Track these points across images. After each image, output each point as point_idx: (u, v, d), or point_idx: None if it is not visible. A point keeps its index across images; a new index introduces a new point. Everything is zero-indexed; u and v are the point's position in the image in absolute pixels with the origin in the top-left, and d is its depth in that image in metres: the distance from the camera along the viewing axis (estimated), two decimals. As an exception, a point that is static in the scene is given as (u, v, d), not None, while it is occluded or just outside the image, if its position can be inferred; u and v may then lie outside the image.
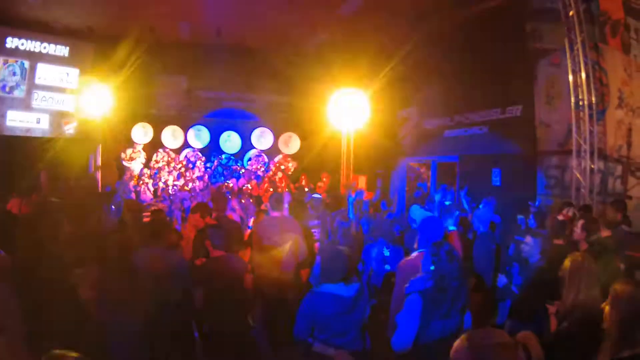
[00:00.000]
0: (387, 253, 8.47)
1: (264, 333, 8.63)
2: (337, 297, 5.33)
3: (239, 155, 23.11)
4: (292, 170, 22.75)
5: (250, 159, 23.01)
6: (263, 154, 23.12)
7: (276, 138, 23.28)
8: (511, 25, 13.68)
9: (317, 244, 10.19)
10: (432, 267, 5.21)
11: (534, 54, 13.47)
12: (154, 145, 22.24)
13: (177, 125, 22.42)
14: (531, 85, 13.67)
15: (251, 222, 12.66)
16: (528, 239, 7.38)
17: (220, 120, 23.30)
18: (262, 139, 23.15)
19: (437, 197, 12.29)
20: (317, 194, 14.86)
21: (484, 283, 8.45)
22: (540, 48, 13.32)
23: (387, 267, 8.28)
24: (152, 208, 13.41)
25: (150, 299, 6.23)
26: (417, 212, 9.11)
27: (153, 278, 6.42)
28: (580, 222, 8.05)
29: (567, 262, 5.39)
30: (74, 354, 3.13)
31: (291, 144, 23.18)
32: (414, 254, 6.38)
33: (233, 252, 7.41)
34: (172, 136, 22.26)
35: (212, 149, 22.90)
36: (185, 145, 22.58)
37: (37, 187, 13.60)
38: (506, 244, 9.07)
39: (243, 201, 15.43)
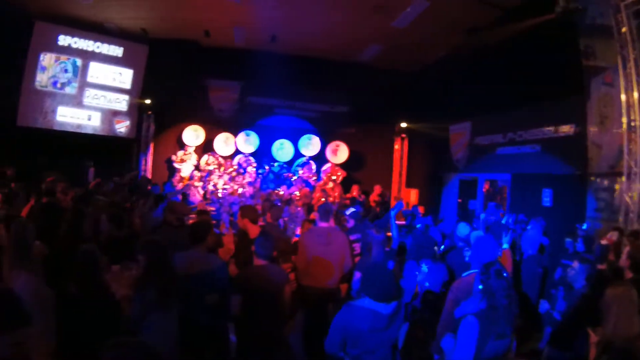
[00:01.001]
0: (425, 269, 8.39)
1: (302, 344, 8.64)
2: (375, 313, 5.18)
3: (290, 163, 23.01)
4: (340, 179, 22.68)
5: (300, 166, 22.93)
6: (311, 162, 23.03)
7: (324, 146, 23.16)
8: (565, 41, 13.45)
9: (357, 259, 10.19)
10: (481, 287, 5.13)
11: (587, 71, 13.19)
12: (205, 148, 22.36)
13: (229, 129, 22.50)
14: (584, 104, 13.42)
15: (298, 230, 12.67)
16: (575, 264, 7.22)
17: (271, 127, 23.31)
18: (310, 146, 23.05)
19: (482, 216, 12.19)
20: (358, 206, 14.81)
21: (527, 306, 8.37)
22: (593, 66, 12.96)
23: (427, 284, 8.20)
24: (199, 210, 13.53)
25: (186, 300, 6.32)
26: (464, 231, 9.05)
27: (190, 280, 6.50)
28: (626, 249, 7.93)
29: (608, 291, 5.32)
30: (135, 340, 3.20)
31: (340, 153, 22.99)
32: (468, 274, 6.24)
33: (276, 263, 7.41)
34: (224, 143, 22.32)
35: (262, 155, 22.83)
36: (236, 151, 22.58)
37: (84, 184, 13.71)
38: (553, 268, 8.98)
39: (291, 209, 15.45)
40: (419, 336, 6.62)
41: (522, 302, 7.07)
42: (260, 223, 10.15)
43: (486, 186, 19.49)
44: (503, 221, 12.45)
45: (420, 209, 15.64)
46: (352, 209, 12.32)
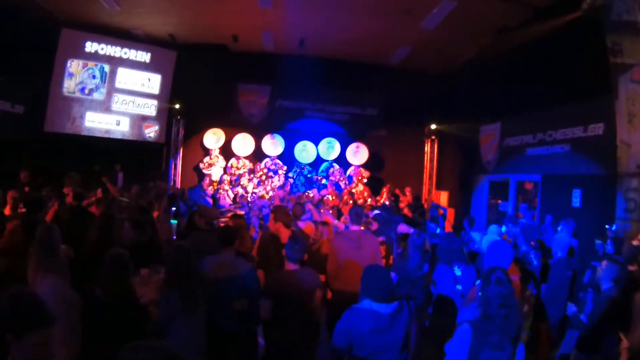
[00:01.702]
0: (458, 273, 8.30)
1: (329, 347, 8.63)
2: (375, 314, 5.17)
3: (315, 166, 23.04)
4: (365, 181, 22.68)
5: (327, 169, 22.92)
6: (334, 165, 23.01)
7: (344, 149, 23.18)
8: (592, 39, 13.30)
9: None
10: (480, 294, 5.11)
11: (614, 69, 13.01)
12: (228, 151, 22.45)
13: (259, 134, 22.52)
14: (612, 103, 13.27)
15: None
16: (604, 264, 7.19)
17: (301, 130, 23.34)
18: (331, 150, 23.00)
19: (523, 220, 12.15)
20: (387, 208, 14.77)
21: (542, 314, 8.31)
22: (621, 63, 12.74)
23: (459, 287, 8.12)
24: (229, 214, 13.55)
25: (213, 304, 6.32)
26: (489, 235, 9.03)
27: (218, 284, 6.52)
28: (656, 251, 7.85)
29: (638, 295, 5.25)
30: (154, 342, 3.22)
31: (359, 154, 22.97)
32: (479, 282, 6.23)
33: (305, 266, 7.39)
34: (243, 143, 22.39)
35: (288, 158, 22.89)
36: (259, 152, 22.64)
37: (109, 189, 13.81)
38: (583, 270, 8.90)
39: (322, 211, 15.43)
40: (432, 340, 6.59)
41: (538, 309, 7.00)
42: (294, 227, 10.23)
43: (529, 186, 19.35)
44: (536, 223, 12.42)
45: (449, 211, 15.53)
46: (376, 211, 12.31)
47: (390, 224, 11.25)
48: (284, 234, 8.73)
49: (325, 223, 11.21)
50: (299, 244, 6.60)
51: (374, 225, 10.92)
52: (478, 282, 6.21)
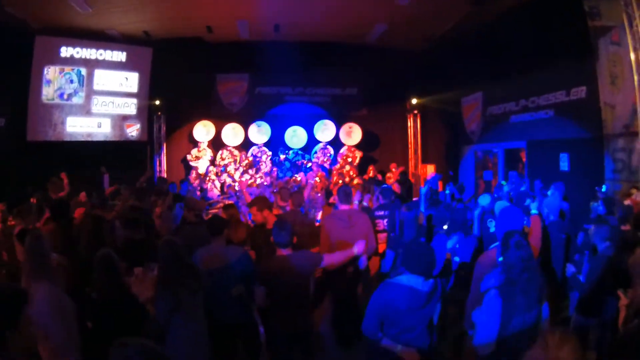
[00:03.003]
0: (451, 244, 8.30)
1: (332, 330, 8.62)
2: (414, 291, 5.13)
3: (306, 150, 22.98)
4: (357, 161, 22.64)
5: (316, 152, 22.91)
6: (328, 147, 22.95)
7: (338, 129, 23.06)
8: (569, 3, 13.31)
9: (382, 235, 10.16)
10: (501, 259, 5.08)
11: (593, 32, 13.01)
12: (218, 143, 22.45)
13: (240, 122, 22.52)
14: (594, 65, 13.27)
15: (319, 215, 12.63)
16: (592, 227, 7.22)
17: (283, 116, 23.29)
18: (325, 131, 22.98)
19: (506, 187, 12.15)
20: (385, 184, 14.75)
21: (553, 275, 8.33)
22: (600, 26, 12.77)
23: (457, 259, 8.11)
24: (219, 205, 13.50)
25: (211, 295, 6.31)
26: (484, 201, 9.02)
27: (213, 274, 6.52)
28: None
29: (638, 252, 5.25)
30: (137, 340, 3.21)
31: (353, 134, 22.89)
32: (493, 247, 6.25)
33: (303, 248, 7.36)
34: (232, 133, 22.35)
35: (276, 145, 22.83)
36: (247, 141, 22.63)
37: (100, 191, 13.79)
38: (575, 233, 8.91)
39: (310, 194, 15.43)
40: (452, 313, 6.59)
41: (547, 270, 7.02)
42: (280, 209, 10.22)
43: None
44: (522, 188, 12.43)
45: (439, 184, 15.54)
46: (384, 186, 12.32)
47: (392, 202, 11.22)
48: (270, 221, 8.71)
49: (328, 205, 11.23)
50: (284, 229, 6.55)
51: (380, 199, 10.90)
52: (491, 247, 6.23)
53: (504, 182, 13.61)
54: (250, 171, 21.44)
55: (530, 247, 5.08)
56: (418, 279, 5.19)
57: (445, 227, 8.81)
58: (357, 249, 6.91)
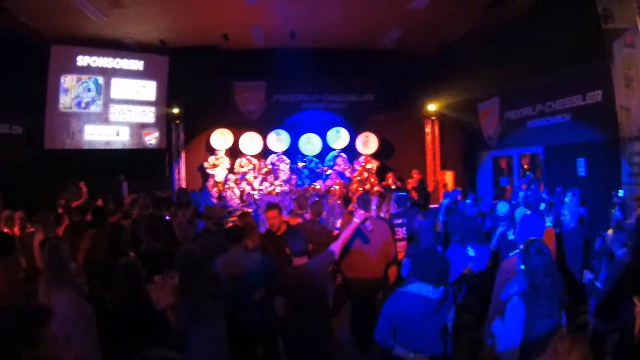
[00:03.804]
0: (471, 253, 8.28)
1: (352, 336, 8.63)
2: (424, 299, 5.18)
3: (320, 157, 23.00)
4: (375, 169, 22.62)
5: (334, 159, 22.87)
6: (342, 154, 22.94)
7: (354, 136, 23.08)
8: (583, 6, 13.25)
9: (401, 244, 10.12)
10: (522, 267, 5.06)
11: (607, 35, 12.91)
12: (236, 151, 22.49)
13: (258, 130, 22.59)
14: (609, 68, 13.19)
15: (338, 223, 12.63)
16: (610, 233, 7.19)
17: (301, 123, 23.29)
18: (340, 139, 23.00)
19: (521, 193, 12.11)
20: (403, 191, 14.72)
21: (572, 282, 8.29)
22: (613, 28, 12.67)
23: (471, 265, 8.10)
24: (238, 213, 13.55)
25: (232, 301, 6.34)
26: (503, 209, 8.99)
27: (232, 281, 6.58)
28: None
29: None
30: (159, 351, 3.21)
31: (369, 144, 22.92)
32: (513, 254, 6.23)
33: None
34: (250, 141, 22.42)
35: (295, 152, 22.83)
36: (265, 149, 22.68)
37: (118, 198, 13.87)
38: (593, 238, 8.87)
39: (330, 202, 15.43)
40: (467, 321, 6.58)
41: (566, 277, 7.00)
42: (299, 217, 10.23)
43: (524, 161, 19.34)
44: (543, 195, 12.38)
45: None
46: (399, 193, 12.28)
47: (410, 208, 11.20)
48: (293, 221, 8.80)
49: (350, 212, 11.20)
50: (298, 236, 6.58)
51: (394, 207, 10.88)
52: (512, 254, 6.22)
53: (521, 192, 13.53)
54: (269, 179, 21.46)
55: (551, 253, 5.10)
56: (428, 287, 5.22)
57: (458, 235, 8.80)
58: (357, 217, 7.00)
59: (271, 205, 9.26)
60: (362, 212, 7.47)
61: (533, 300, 4.84)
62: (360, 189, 20.72)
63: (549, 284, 4.87)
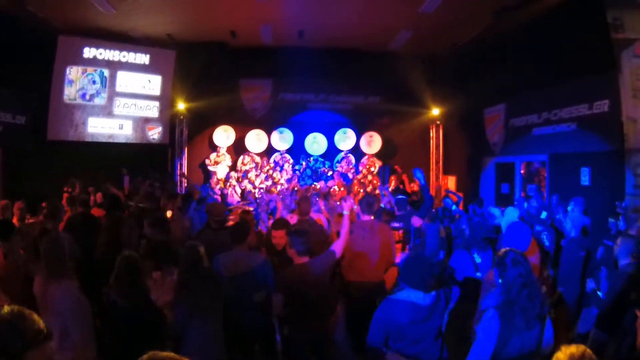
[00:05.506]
0: (478, 260, 8.23)
1: (348, 339, 8.60)
2: (414, 305, 5.17)
3: (326, 157, 22.99)
4: (377, 170, 22.62)
5: (342, 161, 22.88)
6: (349, 155, 22.94)
7: (359, 138, 23.07)
8: (593, 15, 13.20)
9: (397, 246, 10.08)
10: (500, 280, 5.03)
11: (617, 44, 12.86)
12: (238, 148, 22.57)
13: (262, 128, 22.61)
14: (616, 79, 13.09)
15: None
16: (618, 241, 7.14)
17: (305, 123, 23.29)
18: (347, 139, 22.98)
19: (534, 202, 12.08)
20: (402, 195, 14.68)
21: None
22: (623, 38, 12.64)
23: (479, 274, 8.04)
24: (238, 210, 13.51)
25: (232, 301, 6.33)
26: (508, 217, 8.96)
27: (235, 280, 6.62)
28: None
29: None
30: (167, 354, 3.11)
31: (373, 144, 22.94)
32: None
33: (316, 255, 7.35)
34: (256, 139, 22.44)
35: (298, 151, 22.87)
36: (269, 147, 22.73)
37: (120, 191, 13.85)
38: (595, 248, 8.82)
39: (330, 203, 15.38)
40: (459, 325, 6.55)
41: (567, 287, 6.97)
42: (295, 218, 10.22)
43: (522, 169, 19.30)
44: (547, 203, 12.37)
45: (452, 198, 15.35)
46: (399, 197, 12.25)
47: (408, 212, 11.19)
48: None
49: (340, 215, 11.16)
50: (302, 237, 6.60)
51: (397, 211, 10.88)
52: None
53: (534, 202, 13.48)
54: (274, 175, 21.45)
55: (528, 262, 5.04)
56: (418, 293, 5.23)
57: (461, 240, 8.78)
58: (345, 209, 7.11)
59: (280, 224, 9.06)
60: (348, 202, 7.53)
61: (508, 315, 4.79)
62: (362, 190, 20.68)
63: (527, 295, 4.82)
